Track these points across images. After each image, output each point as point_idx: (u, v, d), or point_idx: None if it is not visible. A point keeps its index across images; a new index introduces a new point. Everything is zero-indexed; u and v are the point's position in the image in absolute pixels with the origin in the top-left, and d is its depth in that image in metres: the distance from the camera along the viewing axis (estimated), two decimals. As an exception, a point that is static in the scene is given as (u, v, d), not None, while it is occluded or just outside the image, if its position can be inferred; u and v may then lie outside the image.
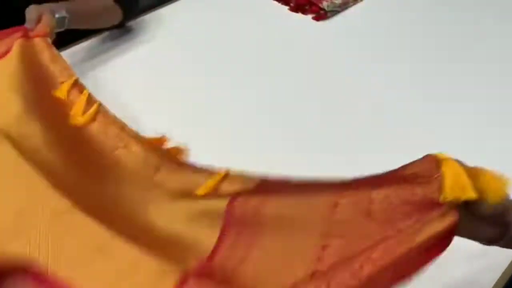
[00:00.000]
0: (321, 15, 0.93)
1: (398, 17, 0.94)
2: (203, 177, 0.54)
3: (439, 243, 0.38)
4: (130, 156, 0.59)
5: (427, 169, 0.39)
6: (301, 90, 0.78)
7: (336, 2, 0.93)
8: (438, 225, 0.37)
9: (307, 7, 0.94)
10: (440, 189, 0.37)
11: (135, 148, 0.59)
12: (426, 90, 0.79)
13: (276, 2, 0.97)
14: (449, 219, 0.37)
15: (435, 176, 0.38)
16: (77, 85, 0.67)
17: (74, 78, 0.67)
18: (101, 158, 0.58)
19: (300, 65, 0.82)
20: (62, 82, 0.67)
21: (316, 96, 0.76)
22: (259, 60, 0.83)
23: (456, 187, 0.37)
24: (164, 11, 0.95)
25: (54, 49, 0.71)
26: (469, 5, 0.97)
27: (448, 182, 0.37)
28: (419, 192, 0.38)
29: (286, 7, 0.96)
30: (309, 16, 0.93)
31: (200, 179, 0.54)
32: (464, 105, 0.74)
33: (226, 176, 0.54)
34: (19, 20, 0.78)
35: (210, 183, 0.53)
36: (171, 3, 0.97)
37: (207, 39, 0.88)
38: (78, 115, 0.63)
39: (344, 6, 0.94)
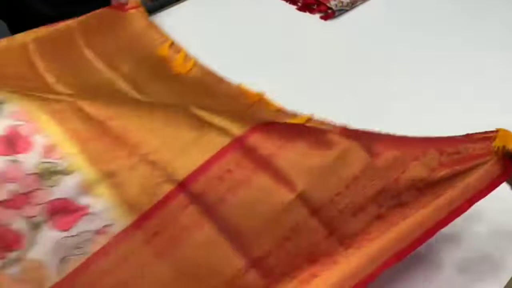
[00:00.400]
0: (329, 14, 0.92)
1: (407, 16, 0.94)
2: (288, 118, 0.64)
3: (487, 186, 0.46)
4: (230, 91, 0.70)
5: (486, 135, 0.47)
6: (308, 89, 0.78)
7: (344, 1, 0.93)
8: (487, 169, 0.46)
9: (314, 7, 0.94)
10: (492, 143, 0.46)
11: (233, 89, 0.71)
12: (437, 89, 0.78)
13: (283, 1, 0.97)
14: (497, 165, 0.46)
15: (491, 135, 0.47)
16: (174, 46, 0.79)
17: (170, 41, 0.78)
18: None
19: (308, 65, 0.82)
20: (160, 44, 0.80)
21: (323, 95, 0.76)
22: (266, 59, 0.83)
23: (504, 140, 0.46)
24: (171, 11, 0.95)
25: (148, 17, 0.83)
26: (482, 3, 0.96)
27: (498, 138, 0.46)
28: (476, 147, 0.47)
29: (294, 7, 0.96)
30: (317, 16, 0.93)
31: (285, 119, 0.64)
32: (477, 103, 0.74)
33: (309, 120, 0.63)
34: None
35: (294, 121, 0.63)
36: (180, 2, 0.97)
37: (215, 37, 0.88)
38: (178, 66, 0.75)
39: (352, 5, 0.93)
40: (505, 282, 0.54)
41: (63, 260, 0.40)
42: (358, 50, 0.87)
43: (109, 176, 0.42)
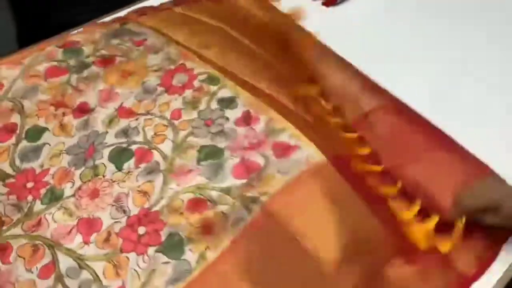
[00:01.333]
0: (331, 0, 0.98)
1: (412, 2, 0.96)
2: None
3: None
4: None
5: None
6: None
7: (347, -14, 0.97)
8: None
9: (317, -7, 0.98)
10: None
11: None
12: (443, 78, 0.81)
13: (286, -12, 0.99)
14: None
15: None
16: None
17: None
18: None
19: None
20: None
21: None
22: None
23: None
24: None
25: None
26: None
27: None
28: None
29: (296, -7, 0.98)
30: (319, 2, 0.99)
31: None
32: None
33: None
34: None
35: None
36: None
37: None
38: None
39: (355, -9, 0.97)
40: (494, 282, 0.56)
41: (283, 173, 0.62)
42: (361, 36, 0.90)
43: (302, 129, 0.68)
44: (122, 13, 0.95)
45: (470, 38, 0.87)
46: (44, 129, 0.70)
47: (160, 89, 0.75)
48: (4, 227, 0.60)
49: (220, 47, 0.80)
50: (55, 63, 0.80)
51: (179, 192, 0.62)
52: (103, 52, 0.81)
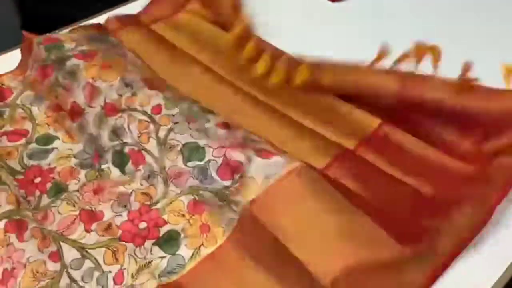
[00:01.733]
0: None
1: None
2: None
3: None
4: None
5: None
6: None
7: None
8: None
9: (322, -12, 0.97)
10: None
11: None
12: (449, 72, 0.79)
13: (291, -17, 0.98)
14: None
15: None
16: None
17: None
18: None
19: (314, 48, 0.84)
20: None
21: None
22: (271, 39, 0.86)
23: None
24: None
25: None
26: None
27: None
28: None
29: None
30: None
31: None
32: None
33: None
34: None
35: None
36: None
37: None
38: None
39: (362, -13, 0.94)
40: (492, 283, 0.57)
41: (265, 177, 0.65)
42: (368, 33, 0.89)
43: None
44: (121, 9, 0.96)
45: (471, 37, 0.88)
46: (54, 138, 0.75)
47: (140, 83, 0.74)
48: (21, 207, 0.64)
49: (195, 82, 0.82)
50: (42, 63, 0.79)
51: (179, 194, 0.65)
52: (84, 48, 0.79)
